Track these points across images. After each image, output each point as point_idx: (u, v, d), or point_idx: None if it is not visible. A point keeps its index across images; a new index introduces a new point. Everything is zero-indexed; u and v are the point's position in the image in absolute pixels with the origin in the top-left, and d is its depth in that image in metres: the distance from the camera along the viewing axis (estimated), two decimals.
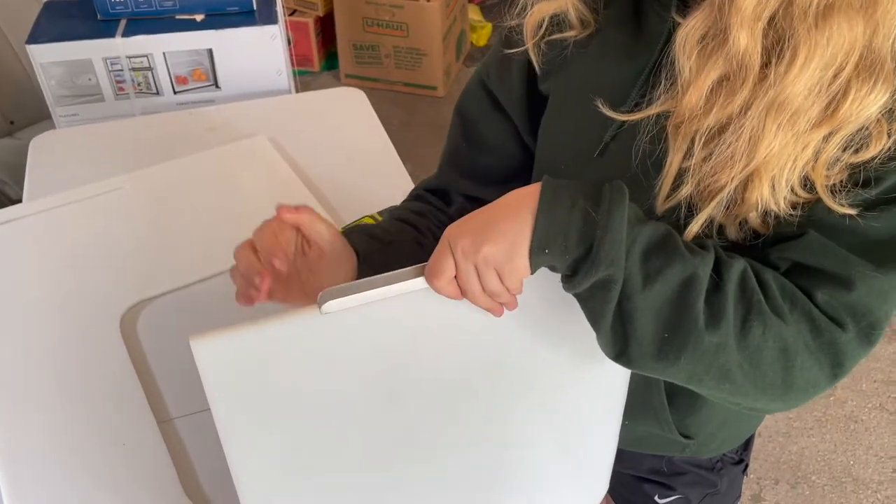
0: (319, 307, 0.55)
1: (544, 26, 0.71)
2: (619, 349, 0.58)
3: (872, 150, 0.56)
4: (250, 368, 0.56)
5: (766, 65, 0.56)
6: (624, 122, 0.66)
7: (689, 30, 0.57)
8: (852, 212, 0.57)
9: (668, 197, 0.63)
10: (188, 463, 0.90)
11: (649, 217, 0.59)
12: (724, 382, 0.58)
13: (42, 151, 1.40)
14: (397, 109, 2.97)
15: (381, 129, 1.48)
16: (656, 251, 0.56)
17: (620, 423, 0.77)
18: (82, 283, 1.10)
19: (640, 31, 0.66)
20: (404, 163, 1.39)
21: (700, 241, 0.60)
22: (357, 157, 1.40)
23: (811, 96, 0.55)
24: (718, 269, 0.57)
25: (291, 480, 0.66)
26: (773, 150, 0.56)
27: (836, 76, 0.54)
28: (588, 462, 0.81)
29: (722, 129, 0.58)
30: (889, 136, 0.55)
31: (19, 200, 2.29)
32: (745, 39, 0.55)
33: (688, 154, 0.61)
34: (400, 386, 0.63)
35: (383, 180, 1.34)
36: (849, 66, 0.54)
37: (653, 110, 0.62)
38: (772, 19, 0.54)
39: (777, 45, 0.55)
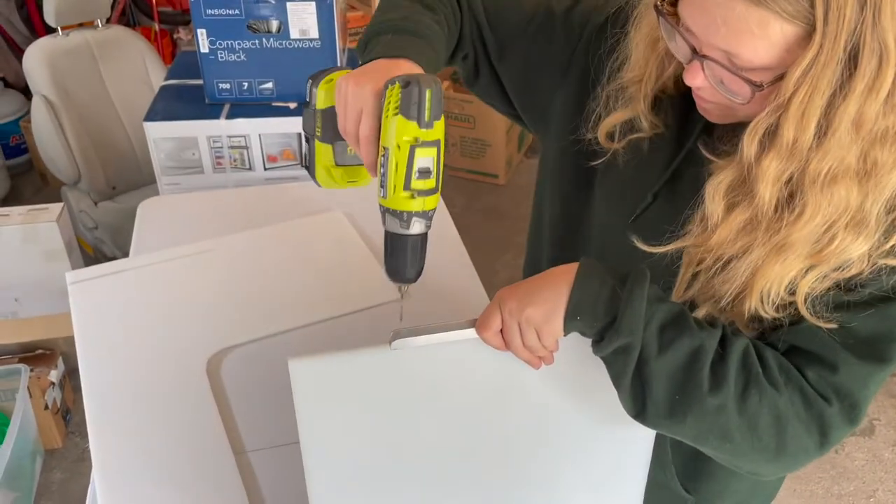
0: (390, 344, 0.68)
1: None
2: (638, 408, 0.70)
3: (854, 271, 0.67)
4: (332, 387, 0.69)
5: (780, 213, 0.67)
6: (655, 197, 0.79)
7: (718, 182, 0.70)
8: (835, 317, 0.68)
9: (679, 296, 0.75)
10: (257, 490, 1.02)
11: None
12: (726, 443, 0.69)
13: (148, 213, 1.59)
14: (459, 194, 3.15)
15: (444, 210, 1.63)
16: (671, 325, 0.68)
17: (645, 480, 0.87)
18: (176, 329, 1.26)
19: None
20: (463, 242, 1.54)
21: (711, 321, 0.72)
22: None
23: (807, 241, 0.66)
24: (724, 344, 0.69)
25: (359, 484, 0.78)
26: (766, 275, 0.68)
27: (829, 228, 0.66)
28: None
29: (730, 259, 0.70)
30: (869, 260, 0.67)
31: (114, 258, 2.52)
32: (769, 194, 0.67)
33: (697, 268, 0.73)
34: (448, 416, 0.76)
35: (444, 256, 1.48)
36: (841, 221, 0.65)
37: (681, 243, 0.73)
38: (788, 180, 0.66)
39: (790, 200, 0.67)
